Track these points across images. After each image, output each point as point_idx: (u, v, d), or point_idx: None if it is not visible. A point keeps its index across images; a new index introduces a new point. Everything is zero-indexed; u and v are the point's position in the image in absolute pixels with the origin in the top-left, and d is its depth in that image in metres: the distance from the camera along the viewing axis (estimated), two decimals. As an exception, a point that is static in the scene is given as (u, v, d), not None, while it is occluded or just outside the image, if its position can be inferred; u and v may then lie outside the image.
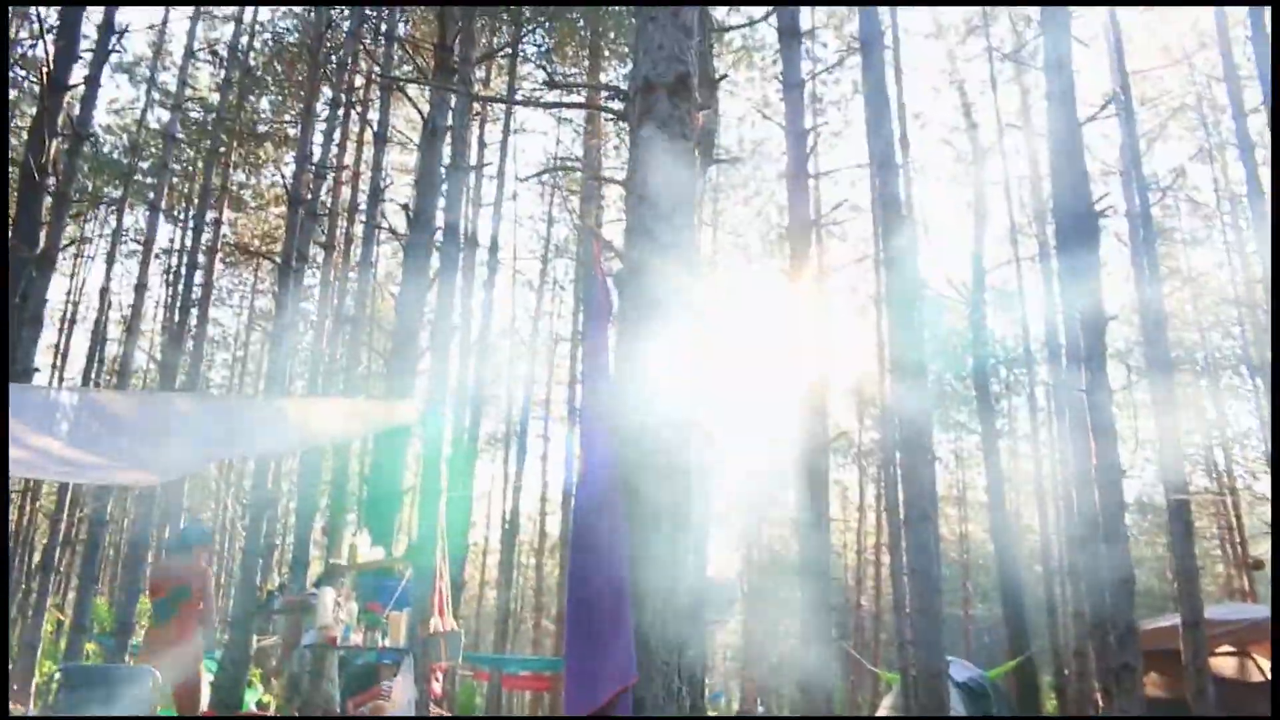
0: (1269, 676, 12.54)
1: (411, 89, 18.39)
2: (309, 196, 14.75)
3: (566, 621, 4.79)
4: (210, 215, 23.09)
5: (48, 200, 16.84)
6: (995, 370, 27.47)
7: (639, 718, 4.50)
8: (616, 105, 11.00)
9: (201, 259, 22.74)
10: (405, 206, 14.47)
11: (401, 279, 15.30)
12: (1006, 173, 22.82)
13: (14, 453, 9.07)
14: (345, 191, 22.72)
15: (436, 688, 8.58)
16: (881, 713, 17.66)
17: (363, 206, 22.28)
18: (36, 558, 30.97)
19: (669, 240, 5.14)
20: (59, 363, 29.27)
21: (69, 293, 31.06)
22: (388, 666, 9.24)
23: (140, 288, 19.16)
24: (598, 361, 5.02)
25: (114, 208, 27.69)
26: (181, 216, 27.67)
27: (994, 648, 30.75)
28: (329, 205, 20.64)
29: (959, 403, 32.53)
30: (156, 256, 25.00)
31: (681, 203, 5.32)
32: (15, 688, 21.35)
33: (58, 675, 7.05)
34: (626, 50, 21.92)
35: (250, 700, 13.56)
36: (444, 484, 8.50)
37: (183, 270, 24.76)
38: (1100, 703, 11.48)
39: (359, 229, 23.00)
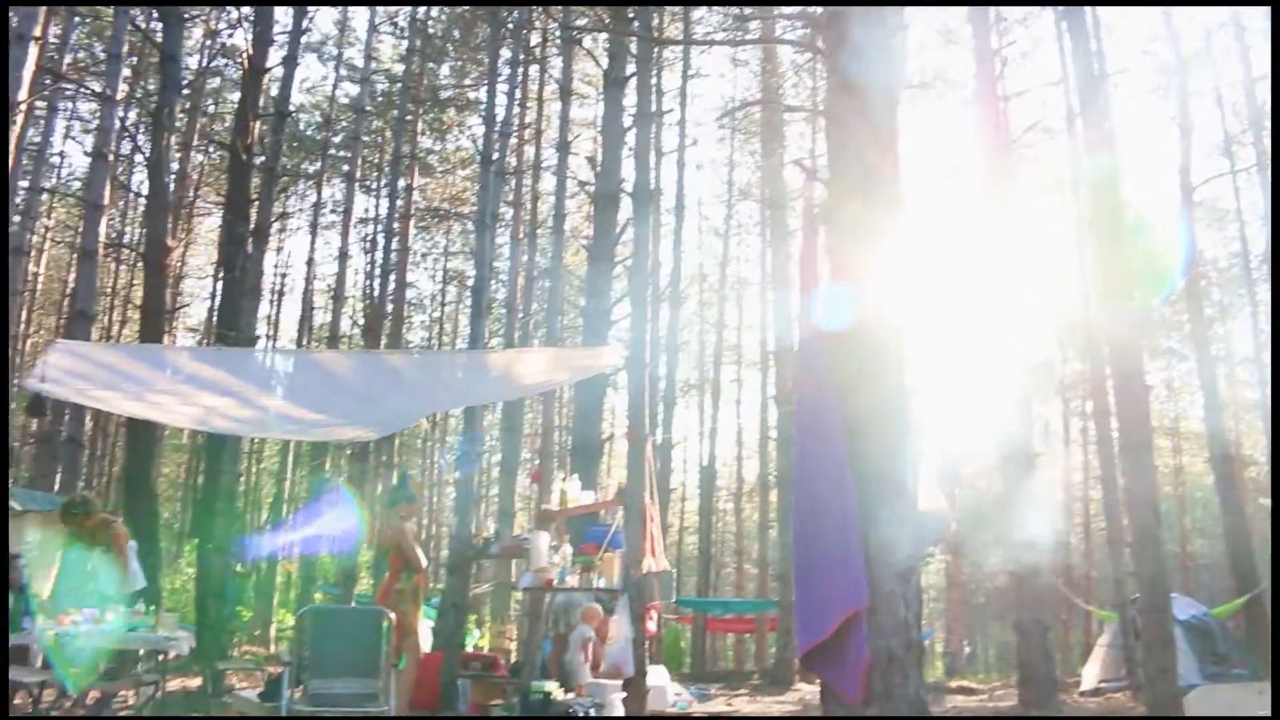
0: None
1: (588, 41, 18.49)
2: (496, 155, 15.05)
3: (793, 554, 4.80)
4: (401, 182, 23.87)
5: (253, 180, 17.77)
6: (1208, 292, 25.92)
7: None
8: (794, 36, 10.77)
9: (396, 225, 23.55)
10: (590, 159, 14.63)
11: (592, 231, 15.48)
12: (1217, 80, 21.34)
13: (244, 413, 9.66)
14: (528, 150, 23.08)
15: (651, 626, 8.75)
16: (1099, 651, 17.04)
17: (546, 163, 22.63)
18: (264, 514, 33.05)
19: (874, 165, 5.03)
20: (272, 332, 30.92)
21: (276, 265, 32.73)
22: (598, 606, 9.49)
23: (343, 256, 20.02)
24: (811, 293, 4.96)
25: (312, 182, 28.98)
26: (374, 185, 28.71)
27: (1214, 586, 29.29)
28: (514, 163, 21.04)
29: (1169, 328, 30.90)
30: (354, 226, 26.03)
31: (883, 126, 5.19)
32: (256, 631, 22.94)
33: (301, 617, 7.52)
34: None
35: (469, 644, 14.12)
36: (649, 428, 8.60)
37: (379, 237, 25.78)
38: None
39: (543, 185, 23.40)
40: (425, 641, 12.05)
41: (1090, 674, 16.45)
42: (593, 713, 8.22)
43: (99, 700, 7.90)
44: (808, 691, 14.17)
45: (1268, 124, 16.11)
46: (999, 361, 13.16)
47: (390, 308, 23.80)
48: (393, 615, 7.23)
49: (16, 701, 9.42)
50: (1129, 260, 11.17)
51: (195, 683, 11.92)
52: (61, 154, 29.09)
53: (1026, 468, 12.73)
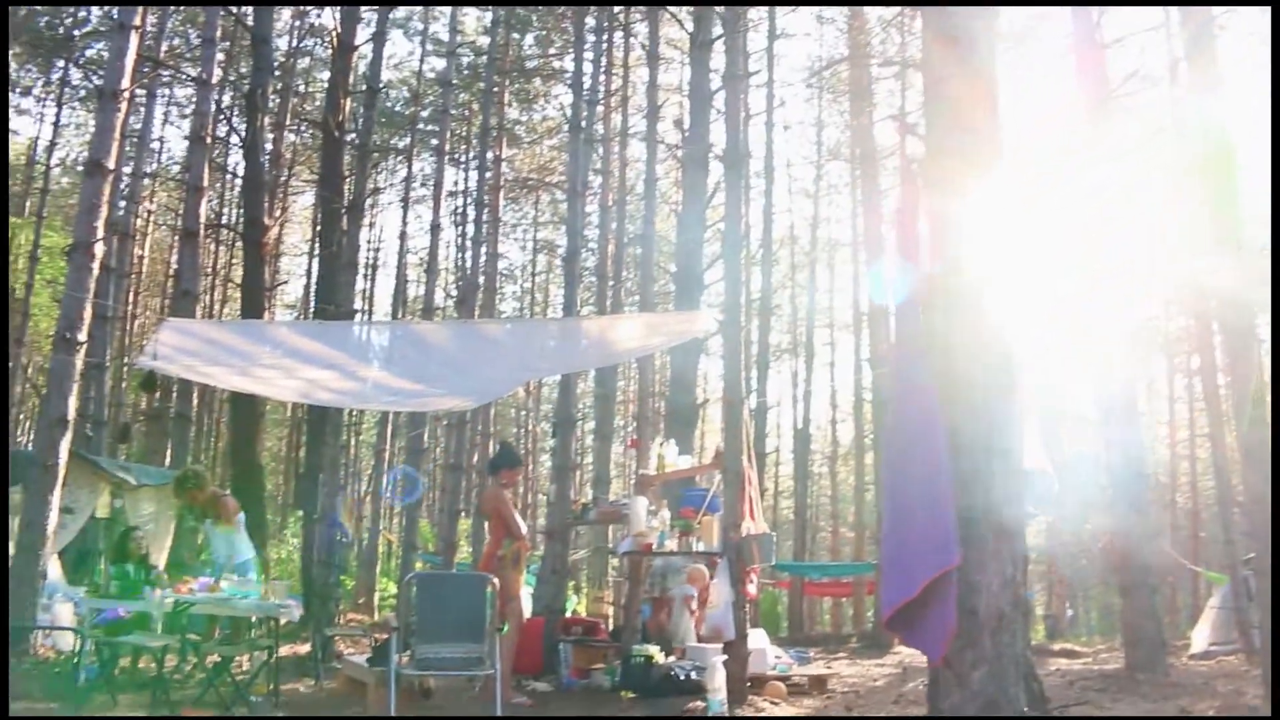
0: None
1: (673, 5, 18.35)
2: (584, 123, 15.05)
3: (885, 508, 4.74)
4: (490, 154, 24.03)
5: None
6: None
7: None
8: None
9: (486, 196, 23.75)
10: (678, 123, 14.55)
11: (681, 196, 15.43)
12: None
13: (345, 385, 9.86)
14: (615, 117, 23.04)
15: (751, 589, 8.75)
16: (1208, 613, 16.60)
17: (633, 129, 22.56)
18: (364, 486, 33.82)
19: (973, 117, 4.90)
20: (368, 306, 31.48)
21: (369, 241, 33.29)
22: (703, 568, 9.53)
23: (434, 229, 20.18)
24: (910, 250, 4.88)
25: (402, 157, 29.36)
26: (463, 158, 28.97)
27: (1333, 547, 28.26)
28: (602, 131, 21.03)
29: (1281, 278, 29.74)
30: (445, 199, 26.32)
31: (982, 77, 5.05)
32: (360, 600, 23.50)
33: (408, 583, 7.67)
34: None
35: (568, 610, 14.28)
36: (745, 392, 8.57)
37: (469, 209, 26.01)
38: None
39: (631, 151, 23.34)
40: (526, 607, 12.24)
41: (1200, 637, 16.03)
42: (694, 675, 8.26)
43: (217, 665, 8.16)
44: (907, 655, 14.06)
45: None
46: (1100, 318, 12.84)
47: (482, 279, 24.04)
48: (496, 580, 7.33)
49: (140, 665, 9.82)
50: (1237, 209, 10.76)
51: (305, 649, 12.28)
52: (161, 139, 29.90)
53: (1130, 426, 12.43)
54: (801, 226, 31.65)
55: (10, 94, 28.86)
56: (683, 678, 8.32)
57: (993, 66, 5.20)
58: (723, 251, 10.68)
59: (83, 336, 11.24)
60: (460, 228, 28.13)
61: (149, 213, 30.21)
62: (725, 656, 7.51)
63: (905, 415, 4.82)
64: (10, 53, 23.47)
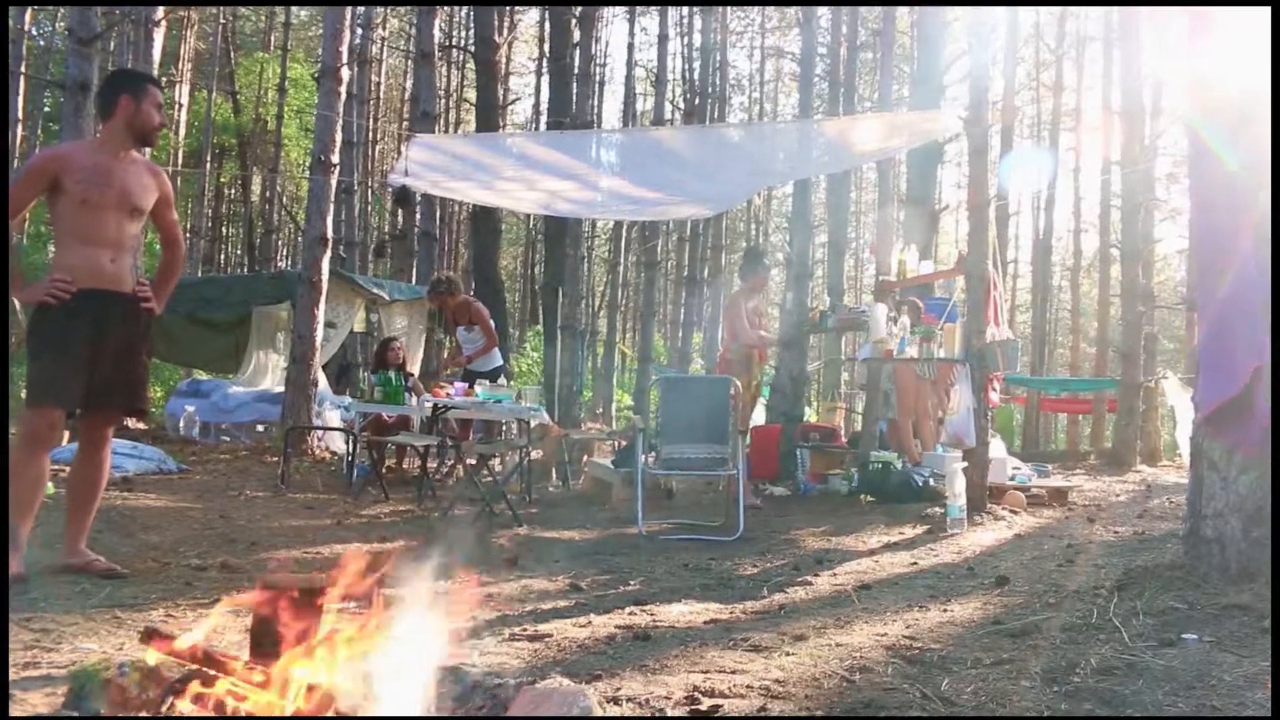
0: None
1: None
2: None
3: (1200, 310, 4.53)
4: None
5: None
6: None
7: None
8: None
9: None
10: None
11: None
12: None
13: (584, 195, 10.03)
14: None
15: (994, 397, 8.58)
16: None
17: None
18: (598, 302, 34.74)
19: None
20: (596, 122, 31.63)
21: (594, 56, 33.17)
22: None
23: (662, 40, 19.95)
24: (1198, 36, 4.48)
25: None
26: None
27: None
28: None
29: None
30: (671, 7, 25.81)
31: None
32: (599, 410, 24.48)
33: (654, 385, 7.91)
34: None
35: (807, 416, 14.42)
36: (992, 195, 8.22)
37: (696, 18, 25.42)
38: None
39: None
40: (759, 415, 12.42)
41: None
42: (932, 482, 8.26)
43: (475, 465, 8.70)
44: (1150, 473, 13.56)
45: None
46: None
47: (711, 90, 23.67)
48: (738, 383, 7.45)
49: (403, 466, 10.60)
50: None
51: (550, 452, 12.90)
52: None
53: None
54: (1047, 20, 29.49)
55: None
56: (920, 483, 8.34)
57: None
58: (968, 46, 10.10)
59: (335, 158, 11.86)
60: (686, 38, 27.62)
61: (383, 39, 31.01)
62: (965, 464, 7.44)
63: (1215, 213, 4.54)
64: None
